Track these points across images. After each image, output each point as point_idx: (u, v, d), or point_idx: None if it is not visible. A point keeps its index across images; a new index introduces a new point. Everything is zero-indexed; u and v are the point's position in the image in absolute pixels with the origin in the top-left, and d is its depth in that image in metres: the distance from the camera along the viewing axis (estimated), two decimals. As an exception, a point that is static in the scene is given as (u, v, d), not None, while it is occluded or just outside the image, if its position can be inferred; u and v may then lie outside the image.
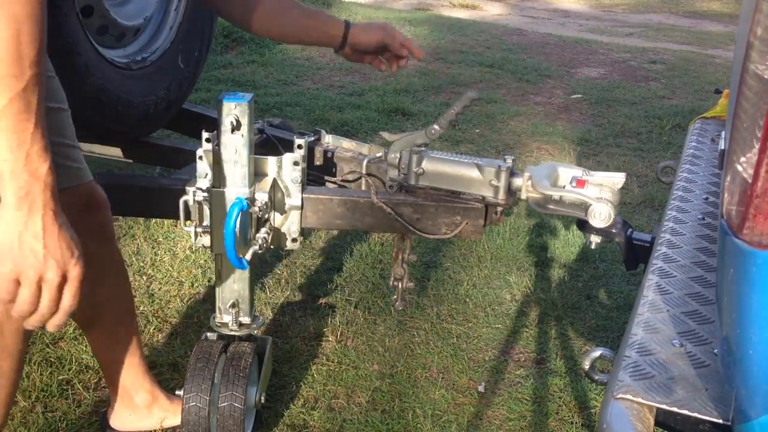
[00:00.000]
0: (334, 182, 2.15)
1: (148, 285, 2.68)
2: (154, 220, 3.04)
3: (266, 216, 1.76)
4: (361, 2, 8.76)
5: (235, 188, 1.70)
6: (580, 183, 1.67)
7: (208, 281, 2.70)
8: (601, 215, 1.61)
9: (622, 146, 4.47)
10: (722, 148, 1.56)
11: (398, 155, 1.79)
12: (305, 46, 4.92)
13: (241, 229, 1.66)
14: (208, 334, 1.96)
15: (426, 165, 1.75)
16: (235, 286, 1.90)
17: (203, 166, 1.72)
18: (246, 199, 1.67)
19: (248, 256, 1.72)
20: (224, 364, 1.88)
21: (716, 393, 1.05)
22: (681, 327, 1.20)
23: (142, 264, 2.80)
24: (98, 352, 1.95)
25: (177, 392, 1.95)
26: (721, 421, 1.01)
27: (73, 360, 2.27)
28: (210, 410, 1.82)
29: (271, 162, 1.78)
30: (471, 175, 1.73)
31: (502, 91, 5.50)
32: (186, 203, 1.72)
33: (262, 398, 1.95)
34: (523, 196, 1.73)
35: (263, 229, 1.75)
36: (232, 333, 1.93)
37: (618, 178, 1.69)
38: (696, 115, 2.41)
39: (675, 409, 1.03)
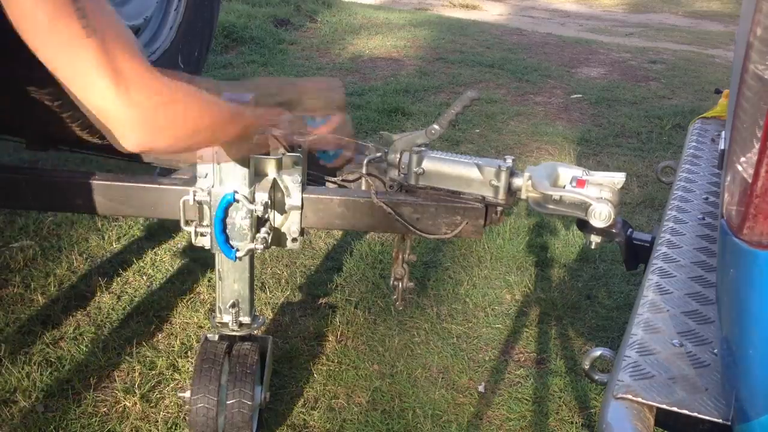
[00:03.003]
0: (334, 182, 2.15)
1: (148, 285, 2.68)
2: (154, 220, 3.04)
3: (266, 216, 1.76)
4: (361, 2, 8.75)
5: (236, 188, 1.70)
6: (580, 183, 1.67)
7: (208, 281, 2.70)
8: (601, 215, 1.61)
9: (622, 146, 4.47)
10: (722, 148, 1.56)
11: (398, 155, 1.79)
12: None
13: (231, 221, 1.69)
14: (209, 335, 1.96)
15: (426, 165, 1.75)
16: (235, 286, 1.90)
17: (203, 166, 1.71)
18: (244, 197, 1.68)
19: (242, 253, 1.73)
20: (230, 363, 1.88)
21: (716, 393, 1.05)
22: (681, 327, 1.20)
23: (142, 264, 2.80)
24: None
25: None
26: (721, 421, 1.01)
27: (73, 360, 2.27)
28: (218, 411, 1.82)
29: (271, 162, 1.77)
30: (471, 175, 1.73)
31: (502, 91, 5.50)
32: (186, 203, 1.72)
33: (267, 396, 1.96)
34: (523, 196, 1.73)
35: (263, 229, 1.75)
36: (234, 333, 1.93)
37: (618, 178, 1.69)
38: (696, 115, 2.41)
39: (675, 409, 1.03)
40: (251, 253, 1.78)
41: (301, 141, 1.76)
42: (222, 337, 1.94)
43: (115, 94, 1.03)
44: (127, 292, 2.63)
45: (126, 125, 1.06)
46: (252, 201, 1.71)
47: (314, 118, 1.75)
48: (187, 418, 1.85)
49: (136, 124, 1.06)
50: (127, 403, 2.11)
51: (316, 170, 2.14)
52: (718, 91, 2.38)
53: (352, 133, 1.82)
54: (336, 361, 2.37)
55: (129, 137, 1.07)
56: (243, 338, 1.95)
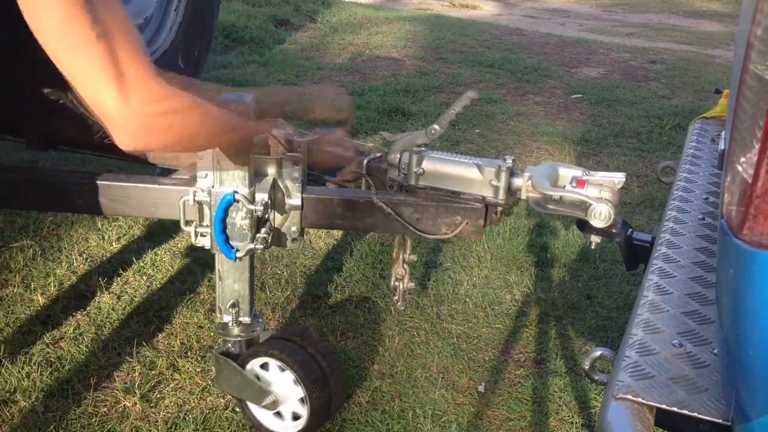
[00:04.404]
0: (334, 182, 2.15)
1: (148, 285, 2.68)
2: (154, 220, 3.04)
3: (266, 216, 1.76)
4: (361, 2, 8.75)
5: (235, 188, 1.70)
6: (580, 183, 1.67)
7: (208, 281, 2.70)
8: (601, 215, 1.61)
9: (622, 146, 4.47)
10: (722, 148, 1.56)
11: (398, 155, 1.79)
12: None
13: (231, 221, 1.69)
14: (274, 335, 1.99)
15: (426, 165, 1.75)
16: (235, 286, 1.90)
17: (203, 166, 1.72)
18: (244, 197, 1.68)
19: (242, 253, 1.72)
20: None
21: (716, 393, 1.05)
22: (681, 327, 1.20)
23: (142, 264, 2.80)
24: None
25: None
26: (721, 421, 1.01)
27: (73, 360, 2.27)
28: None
29: (271, 162, 1.77)
30: (471, 175, 1.73)
31: (502, 91, 5.49)
32: (186, 203, 1.72)
33: None
34: (523, 196, 1.73)
35: (263, 229, 1.75)
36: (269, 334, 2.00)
37: (618, 178, 1.69)
38: (696, 115, 2.41)
39: (675, 409, 1.03)
40: (251, 253, 1.78)
41: (301, 141, 1.77)
42: (271, 338, 1.99)
43: (116, 97, 1.08)
44: (127, 292, 2.63)
45: (122, 127, 1.12)
46: (252, 201, 1.72)
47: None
48: (303, 413, 1.93)
49: (132, 127, 1.13)
50: (127, 403, 2.11)
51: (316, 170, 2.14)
52: (718, 91, 2.38)
53: (352, 147, 1.84)
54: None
55: (124, 138, 1.14)
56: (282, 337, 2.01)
